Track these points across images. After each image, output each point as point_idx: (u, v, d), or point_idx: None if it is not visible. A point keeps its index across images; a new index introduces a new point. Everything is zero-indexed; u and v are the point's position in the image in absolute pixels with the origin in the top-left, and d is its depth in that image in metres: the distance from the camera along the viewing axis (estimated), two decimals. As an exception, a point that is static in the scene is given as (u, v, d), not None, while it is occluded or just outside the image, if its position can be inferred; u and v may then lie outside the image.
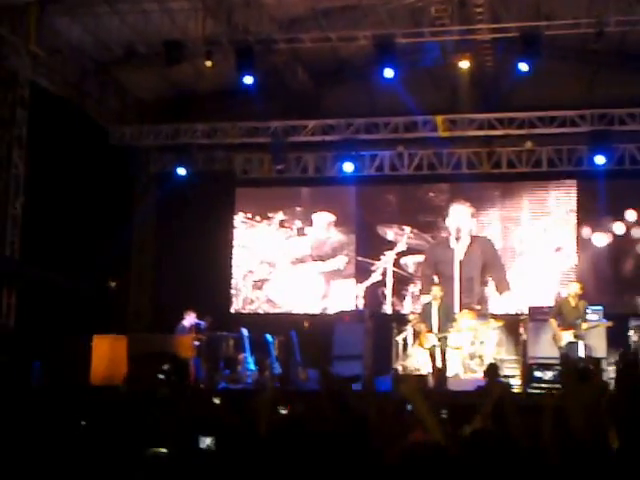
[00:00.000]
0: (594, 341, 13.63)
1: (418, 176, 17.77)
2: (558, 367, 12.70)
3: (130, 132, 17.51)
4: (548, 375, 12.90)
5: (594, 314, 14.01)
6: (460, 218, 17.47)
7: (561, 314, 13.57)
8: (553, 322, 13.58)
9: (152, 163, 18.68)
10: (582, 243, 17.10)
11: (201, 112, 17.55)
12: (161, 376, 10.27)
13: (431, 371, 13.75)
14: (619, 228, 16.94)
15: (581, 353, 13.01)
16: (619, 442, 4.15)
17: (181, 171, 17.34)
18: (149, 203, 18.59)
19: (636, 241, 16.89)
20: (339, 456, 3.85)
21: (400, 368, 14.72)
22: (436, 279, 16.94)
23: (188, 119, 17.54)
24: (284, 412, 6.96)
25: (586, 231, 17.12)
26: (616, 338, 14.17)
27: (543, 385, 12.85)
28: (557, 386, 12.22)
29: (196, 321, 15.31)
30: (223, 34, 14.95)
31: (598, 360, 11.95)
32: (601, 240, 17.02)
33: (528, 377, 13.12)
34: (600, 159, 16.07)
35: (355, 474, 3.71)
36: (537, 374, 13.04)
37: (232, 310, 18.30)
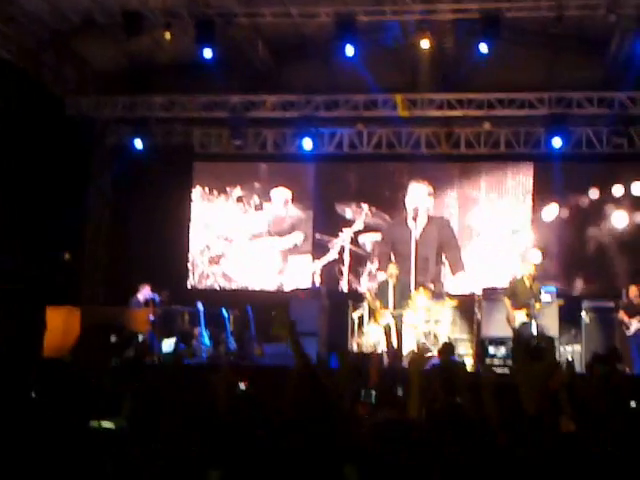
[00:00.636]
0: (547, 321, 13.84)
1: (377, 155, 17.78)
2: (511, 343, 12.88)
3: (86, 103, 17.26)
4: (501, 351, 13.08)
5: (547, 295, 14.21)
6: (418, 198, 17.54)
7: (515, 294, 13.75)
8: (507, 302, 13.76)
9: (109, 135, 18.44)
10: (538, 225, 17.27)
11: (159, 85, 17.35)
12: (113, 338, 10.19)
13: (386, 349, 13.85)
14: (574, 210, 17.12)
15: (534, 333, 13.20)
16: (575, 426, 4.21)
17: (138, 144, 17.18)
18: (105, 175, 18.37)
19: (591, 222, 17.08)
20: (309, 436, 3.86)
21: (355, 345, 14.80)
22: (392, 258, 17.02)
23: (146, 91, 17.32)
24: (242, 387, 6.94)
25: (542, 213, 17.28)
26: (569, 319, 14.39)
27: (496, 361, 13.02)
28: (509, 362, 12.40)
29: (151, 295, 15.25)
30: (183, 6, 14.78)
31: (551, 338, 12.11)
32: (556, 222, 17.19)
33: (481, 353, 13.27)
34: (557, 142, 16.20)
35: (324, 451, 3.74)
36: (491, 350, 13.20)
37: (188, 285, 18.22)
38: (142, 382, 5.49)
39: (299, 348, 4.60)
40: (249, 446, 3.36)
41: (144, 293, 15.26)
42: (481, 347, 13.39)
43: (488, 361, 13.05)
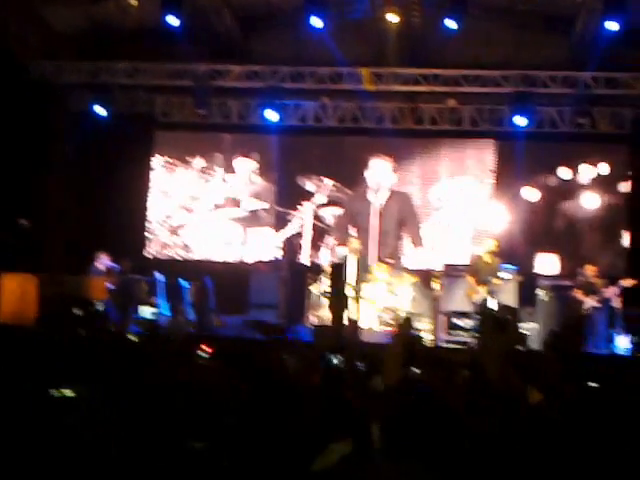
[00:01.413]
0: (505, 298, 13.93)
1: (341, 128, 17.75)
2: (476, 316, 12.97)
3: (50, 68, 17.01)
4: (467, 323, 13.17)
5: (506, 272, 14.30)
6: (380, 172, 17.45)
7: (477, 271, 13.84)
8: (471, 280, 13.84)
9: (72, 101, 18.20)
10: (498, 202, 17.37)
11: (123, 51, 17.10)
12: (78, 312, 10.12)
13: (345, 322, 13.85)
14: (535, 190, 17.24)
15: (493, 308, 13.30)
16: (540, 397, 4.25)
17: (101, 111, 16.97)
18: (67, 142, 18.14)
19: (555, 203, 17.22)
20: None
21: (315, 319, 14.80)
22: (353, 231, 17.01)
23: (110, 58, 17.08)
24: (205, 355, 6.92)
25: (502, 190, 17.38)
26: (527, 296, 14.51)
27: (462, 333, 13.11)
28: (476, 334, 12.49)
29: (110, 263, 15.14)
30: (149, -29, 14.60)
31: (515, 310, 12.17)
32: (519, 202, 17.31)
33: (448, 325, 13.37)
34: (521, 121, 16.25)
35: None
36: (457, 322, 13.29)
37: (147, 254, 18.10)
38: (102, 351, 5.46)
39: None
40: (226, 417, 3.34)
41: (103, 261, 15.14)
42: (447, 320, 13.47)
43: (454, 333, 13.14)
